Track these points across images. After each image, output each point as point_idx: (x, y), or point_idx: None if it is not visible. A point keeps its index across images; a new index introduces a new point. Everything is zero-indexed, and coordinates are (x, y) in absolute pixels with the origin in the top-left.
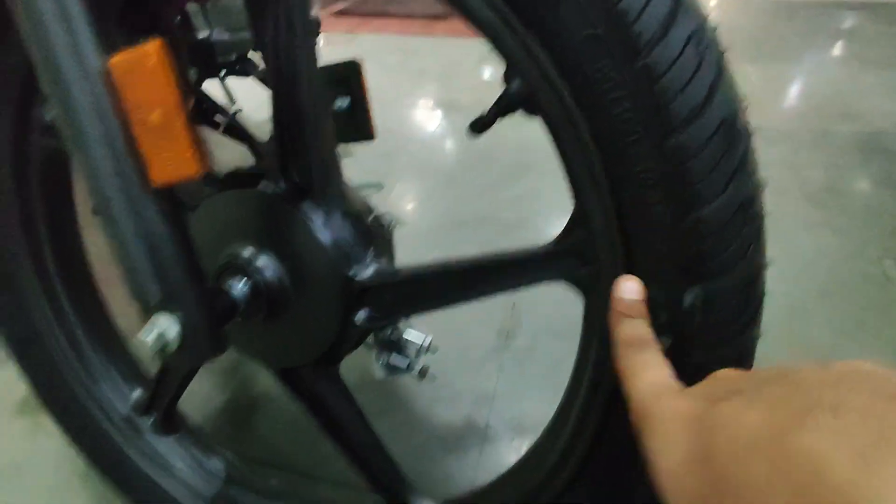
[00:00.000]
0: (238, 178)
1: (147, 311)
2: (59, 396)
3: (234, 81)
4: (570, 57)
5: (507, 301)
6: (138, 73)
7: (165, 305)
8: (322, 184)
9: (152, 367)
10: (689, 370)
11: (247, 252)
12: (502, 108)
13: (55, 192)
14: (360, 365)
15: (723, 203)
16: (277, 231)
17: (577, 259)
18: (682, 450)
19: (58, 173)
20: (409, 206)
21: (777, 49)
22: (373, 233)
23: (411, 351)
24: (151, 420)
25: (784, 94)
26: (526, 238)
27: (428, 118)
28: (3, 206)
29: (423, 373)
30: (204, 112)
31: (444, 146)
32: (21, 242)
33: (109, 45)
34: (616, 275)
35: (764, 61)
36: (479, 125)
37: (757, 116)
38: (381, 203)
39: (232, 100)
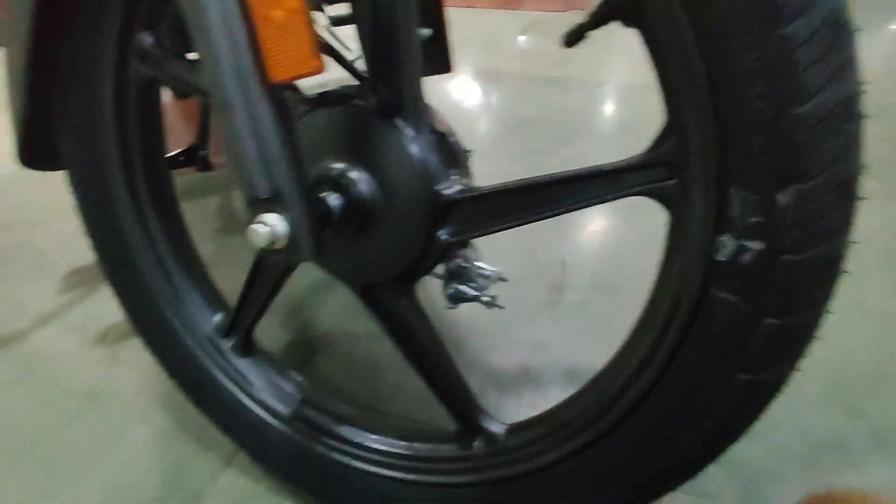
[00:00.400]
0: (331, 97)
1: (255, 207)
2: (148, 316)
3: None
4: None
5: (557, 259)
6: None
7: (274, 204)
8: (412, 101)
9: (231, 296)
10: (779, 272)
11: (340, 167)
12: (599, 18)
13: (148, 119)
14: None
15: (824, 99)
16: (370, 146)
17: (667, 171)
18: None
19: (151, 100)
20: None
21: None
22: (456, 152)
23: (481, 279)
24: (231, 342)
25: None
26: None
27: (470, 86)
28: (102, 129)
29: (491, 302)
30: None
31: (486, 113)
32: (117, 166)
33: None
34: (708, 184)
35: None
36: (574, 36)
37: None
38: None
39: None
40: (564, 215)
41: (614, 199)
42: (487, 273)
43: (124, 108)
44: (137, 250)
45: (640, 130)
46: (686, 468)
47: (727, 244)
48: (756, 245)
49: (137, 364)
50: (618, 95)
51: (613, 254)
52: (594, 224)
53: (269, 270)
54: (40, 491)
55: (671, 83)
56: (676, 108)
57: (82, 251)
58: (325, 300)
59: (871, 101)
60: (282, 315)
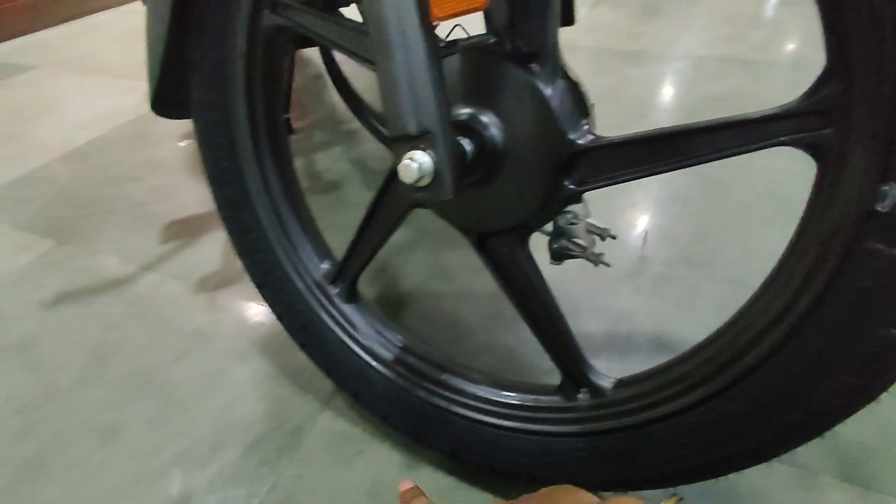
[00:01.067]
0: (468, 42)
1: (402, 144)
2: (262, 259)
3: None
4: None
5: (639, 232)
6: None
7: (422, 142)
8: (548, 48)
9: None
10: None
11: (473, 111)
12: None
13: (274, 70)
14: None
15: None
16: (504, 92)
17: (823, 119)
18: None
19: (279, 52)
20: None
21: None
22: (586, 101)
23: (589, 236)
24: (338, 289)
25: None
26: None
27: None
28: (232, 78)
29: (598, 259)
30: None
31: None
32: (243, 114)
33: None
34: (875, 131)
35: None
36: None
37: None
38: None
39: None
40: (658, 182)
41: (756, 149)
42: (598, 230)
43: (254, 57)
44: (256, 195)
45: (715, 105)
46: (815, 425)
47: (890, 194)
48: None
49: (234, 310)
50: (692, 69)
51: (698, 226)
52: (679, 196)
53: (391, 210)
54: (159, 418)
55: (835, 14)
56: (842, 44)
57: (177, 205)
58: (409, 260)
59: None
60: (368, 276)
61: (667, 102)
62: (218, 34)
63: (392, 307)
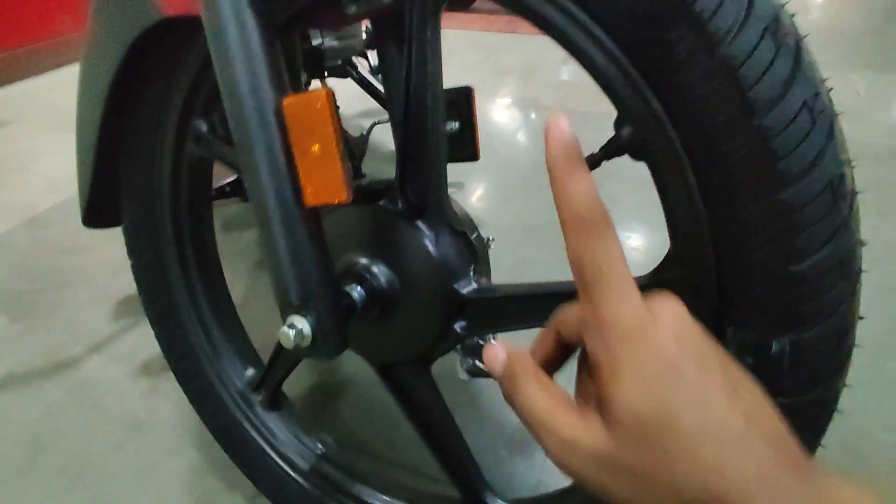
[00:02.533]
0: (363, 192)
1: (286, 311)
2: (186, 365)
3: (333, 81)
4: (689, 110)
5: None
6: (306, 113)
7: (303, 308)
8: (436, 203)
9: (264, 352)
10: None
11: (366, 260)
12: (610, 151)
13: (198, 192)
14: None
15: (823, 257)
16: (394, 244)
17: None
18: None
19: (201, 176)
20: (487, 206)
21: (889, 56)
22: (475, 250)
23: None
24: (260, 397)
25: (893, 107)
26: None
27: (509, 116)
28: (159, 200)
29: None
30: None
31: (523, 144)
32: (169, 232)
33: (283, 87)
34: (707, 316)
35: (873, 69)
36: (588, 164)
37: (860, 131)
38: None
39: None
40: None
41: None
42: None
43: (179, 180)
44: (182, 306)
45: None
46: None
47: None
48: None
49: (174, 397)
50: None
51: None
52: None
53: (284, 356)
54: None
55: (676, 221)
56: (680, 244)
57: (129, 280)
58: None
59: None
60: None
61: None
62: (145, 159)
63: (325, 396)
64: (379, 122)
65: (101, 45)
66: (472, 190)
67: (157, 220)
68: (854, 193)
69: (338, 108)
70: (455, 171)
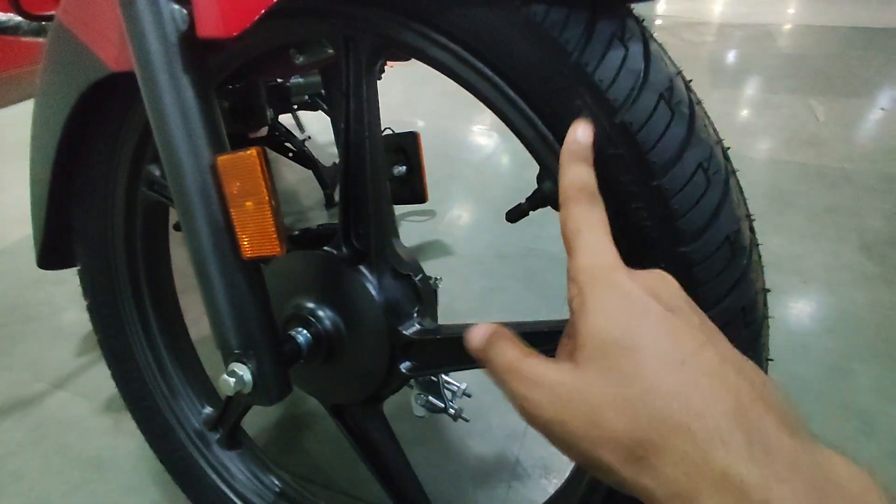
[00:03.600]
0: (309, 237)
1: (227, 358)
2: (143, 406)
3: (303, 113)
4: (596, 170)
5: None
6: (240, 171)
7: (243, 356)
8: (379, 248)
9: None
10: None
11: (311, 304)
12: (535, 202)
13: (152, 233)
14: (401, 398)
15: (723, 308)
16: (338, 288)
17: None
18: (615, 318)
19: (156, 220)
20: (459, 233)
21: (848, 81)
22: (420, 292)
23: (448, 394)
24: (218, 435)
25: (851, 132)
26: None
27: (482, 144)
28: (113, 243)
29: (457, 415)
30: (277, 141)
31: (496, 173)
32: (124, 274)
33: (220, 144)
34: None
35: (832, 95)
36: (515, 214)
37: (820, 155)
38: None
39: (301, 128)
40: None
41: None
42: (454, 388)
43: (133, 224)
44: (137, 348)
45: None
46: None
47: None
48: None
49: (137, 435)
50: None
51: None
52: None
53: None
54: None
55: None
56: None
57: None
58: None
59: (881, 171)
60: None
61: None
62: (98, 203)
63: (293, 428)
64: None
65: (53, 94)
66: (443, 217)
67: (111, 263)
68: (754, 245)
69: (269, 164)
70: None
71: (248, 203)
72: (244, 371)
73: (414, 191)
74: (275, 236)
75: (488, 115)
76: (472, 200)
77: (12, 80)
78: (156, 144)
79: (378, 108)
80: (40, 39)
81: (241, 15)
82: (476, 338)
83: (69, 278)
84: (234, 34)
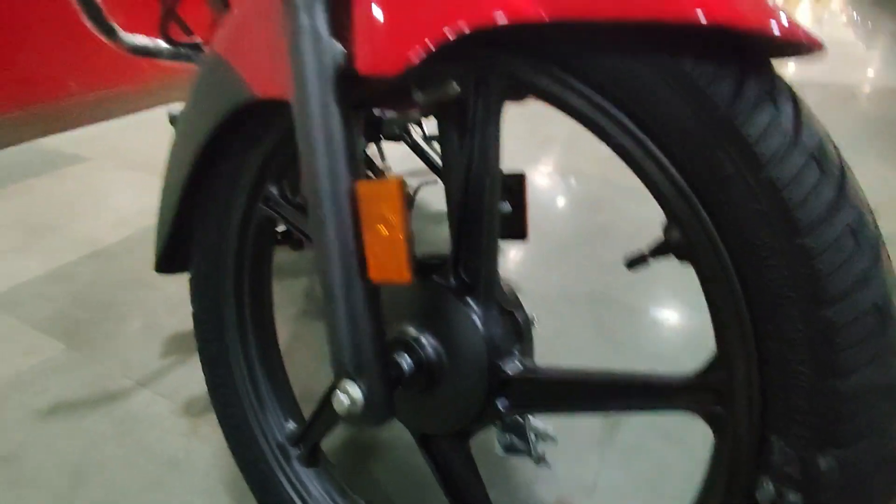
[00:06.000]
0: (416, 266)
1: (340, 377)
2: (231, 412)
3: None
4: (735, 225)
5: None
6: (379, 198)
7: (357, 375)
8: (487, 282)
9: (303, 401)
10: None
11: (415, 331)
12: (657, 251)
13: (260, 250)
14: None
15: (865, 377)
16: (444, 318)
17: (714, 397)
18: None
19: (265, 235)
20: (525, 274)
21: None
22: (521, 329)
23: (533, 437)
24: (299, 451)
25: None
26: (638, 325)
27: (550, 186)
28: (225, 254)
29: (540, 459)
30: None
31: (564, 214)
32: (231, 285)
33: (357, 171)
34: (751, 422)
35: None
36: (634, 261)
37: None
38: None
39: (382, 157)
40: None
41: (663, 412)
42: (540, 431)
43: (245, 238)
44: (234, 355)
45: None
46: None
47: (767, 488)
48: (795, 497)
49: (212, 440)
50: None
51: None
52: (665, 363)
53: (325, 416)
54: None
55: (721, 325)
56: (725, 348)
57: (184, 318)
58: None
59: None
60: None
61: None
62: (218, 217)
63: (363, 455)
64: (426, 184)
65: (196, 115)
66: (511, 257)
67: (221, 273)
68: None
69: (408, 195)
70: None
71: (381, 229)
72: (357, 391)
73: (515, 228)
74: (405, 264)
75: (553, 158)
76: (541, 240)
77: (114, 97)
78: (276, 166)
79: (500, 146)
80: (176, 63)
81: (403, 55)
82: None
83: (159, 284)
84: (394, 73)
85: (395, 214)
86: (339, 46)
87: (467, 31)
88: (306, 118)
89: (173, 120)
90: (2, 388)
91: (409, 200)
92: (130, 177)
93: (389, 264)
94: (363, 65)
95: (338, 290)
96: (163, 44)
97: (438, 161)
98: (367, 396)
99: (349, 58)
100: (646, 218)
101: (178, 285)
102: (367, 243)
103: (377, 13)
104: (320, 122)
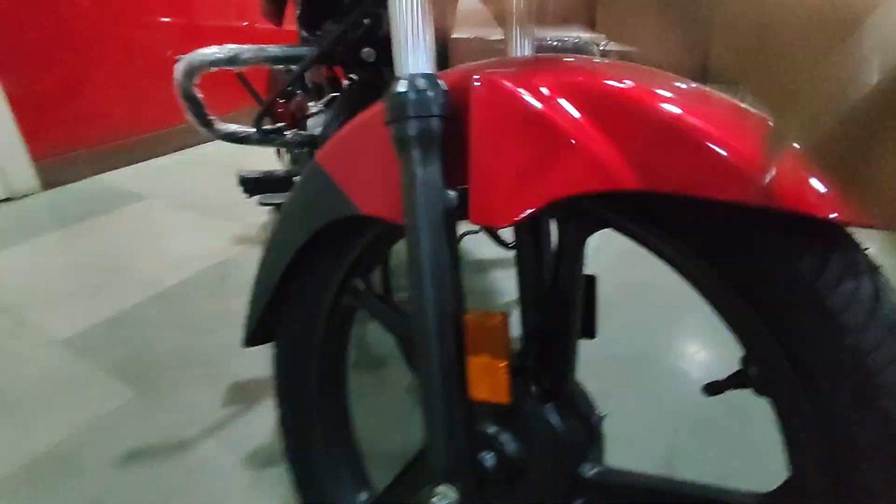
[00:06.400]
0: None
1: (435, 480)
2: (308, 484)
3: None
4: (820, 382)
5: None
6: (484, 329)
7: (452, 480)
8: (567, 390)
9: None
10: None
11: (496, 431)
12: (736, 383)
13: (342, 332)
14: None
15: None
16: (524, 420)
17: None
18: None
19: (347, 323)
20: None
21: None
22: (595, 433)
23: None
24: None
25: None
26: (680, 389)
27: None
28: (311, 331)
29: None
30: None
31: (600, 271)
32: (314, 364)
33: (460, 299)
34: None
35: None
36: (712, 389)
37: None
38: None
39: None
40: None
41: None
42: None
43: (330, 322)
44: (311, 427)
45: None
46: None
47: None
48: None
49: (274, 496)
50: None
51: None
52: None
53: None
54: None
55: (796, 453)
56: (800, 474)
57: (243, 366)
58: None
59: None
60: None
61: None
62: (308, 304)
63: None
64: (468, 233)
65: (298, 218)
66: None
67: (304, 352)
68: None
69: (508, 327)
70: None
71: (484, 357)
72: (452, 495)
73: (586, 328)
74: (505, 387)
75: None
76: None
77: (168, 134)
78: (365, 264)
79: (583, 266)
80: (263, 147)
81: (513, 213)
82: None
83: (218, 328)
84: (505, 226)
85: (498, 346)
86: (452, 195)
87: (571, 195)
88: (418, 254)
89: (244, 181)
90: (86, 433)
91: (508, 330)
92: (184, 217)
93: (491, 387)
94: (475, 217)
95: (439, 407)
96: (251, 130)
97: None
98: (461, 500)
99: (461, 204)
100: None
101: (235, 334)
102: (471, 367)
103: (491, 174)
104: (431, 256)
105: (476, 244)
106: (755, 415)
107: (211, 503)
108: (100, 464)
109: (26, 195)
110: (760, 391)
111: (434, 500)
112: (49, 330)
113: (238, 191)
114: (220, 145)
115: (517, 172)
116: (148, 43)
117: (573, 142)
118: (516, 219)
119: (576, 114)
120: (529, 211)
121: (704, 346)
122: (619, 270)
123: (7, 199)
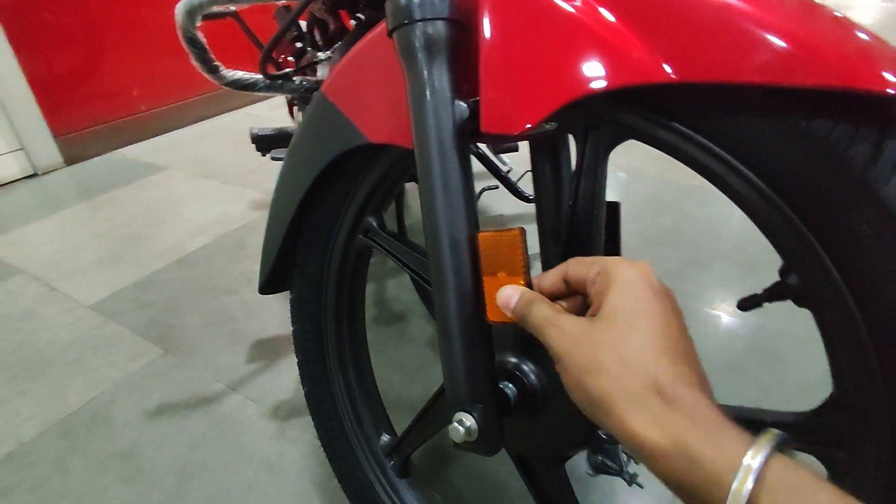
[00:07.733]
0: None
1: (455, 408)
2: (329, 426)
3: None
4: (868, 283)
5: None
6: (499, 246)
7: (471, 407)
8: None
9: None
10: None
11: (517, 359)
12: (774, 294)
13: (358, 273)
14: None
15: None
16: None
17: (832, 439)
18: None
19: (363, 262)
20: None
21: None
22: None
23: (625, 457)
24: (392, 462)
25: None
26: (713, 338)
27: (612, 186)
28: (326, 279)
29: (632, 479)
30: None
31: (624, 217)
32: (332, 307)
33: (473, 221)
34: (876, 462)
35: None
36: (748, 304)
37: None
38: None
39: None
40: None
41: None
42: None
43: (345, 265)
44: (332, 373)
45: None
46: None
47: None
48: None
49: (299, 443)
50: None
51: None
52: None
53: (440, 426)
54: None
55: (841, 366)
56: (844, 389)
57: (264, 324)
58: None
59: None
60: None
61: (727, 249)
62: (321, 246)
63: (442, 459)
64: (488, 189)
65: (306, 152)
66: None
67: (321, 297)
68: None
69: (526, 243)
70: None
71: (500, 273)
72: (471, 421)
73: (610, 255)
74: None
75: (616, 157)
76: None
77: (186, 106)
78: (377, 200)
79: (605, 186)
80: (270, 94)
81: (528, 115)
82: (511, 301)
83: (239, 288)
84: (518, 132)
85: (516, 261)
86: (462, 106)
87: (592, 93)
88: (429, 173)
89: (255, 138)
90: (116, 390)
91: (526, 247)
92: (203, 185)
93: None
94: (486, 125)
95: (455, 331)
96: (258, 77)
97: (500, 166)
98: (481, 426)
99: (472, 114)
100: (709, 219)
101: (255, 294)
102: (487, 288)
103: (502, 77)
104: (442, 175)
105: (496, 200)
106: (781, 362)
107: (239, 452)
108: (130, 418)
109: (50, 171)
110: (801, 302)
111: (454, 425)
112: (78, 296)
113: (255, 157)
114: (235, 116)
115: (533, 73)
116: (163, 18)
117: (597, 33)
118: (533, 123)
119: (600, 4)
120: (545, 115)
121: (729, 296)
122: (642, 217)
123: (33, 175)
